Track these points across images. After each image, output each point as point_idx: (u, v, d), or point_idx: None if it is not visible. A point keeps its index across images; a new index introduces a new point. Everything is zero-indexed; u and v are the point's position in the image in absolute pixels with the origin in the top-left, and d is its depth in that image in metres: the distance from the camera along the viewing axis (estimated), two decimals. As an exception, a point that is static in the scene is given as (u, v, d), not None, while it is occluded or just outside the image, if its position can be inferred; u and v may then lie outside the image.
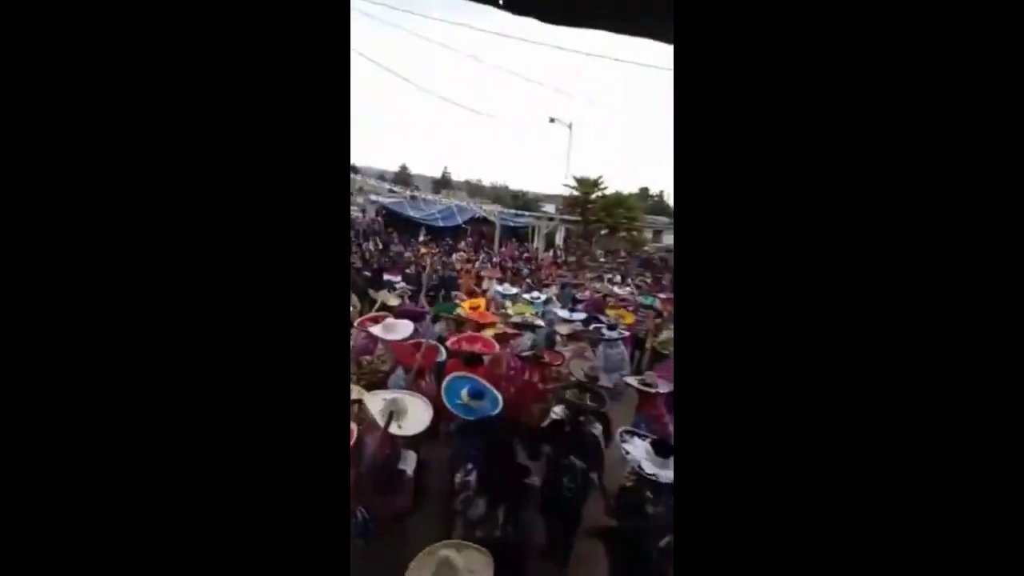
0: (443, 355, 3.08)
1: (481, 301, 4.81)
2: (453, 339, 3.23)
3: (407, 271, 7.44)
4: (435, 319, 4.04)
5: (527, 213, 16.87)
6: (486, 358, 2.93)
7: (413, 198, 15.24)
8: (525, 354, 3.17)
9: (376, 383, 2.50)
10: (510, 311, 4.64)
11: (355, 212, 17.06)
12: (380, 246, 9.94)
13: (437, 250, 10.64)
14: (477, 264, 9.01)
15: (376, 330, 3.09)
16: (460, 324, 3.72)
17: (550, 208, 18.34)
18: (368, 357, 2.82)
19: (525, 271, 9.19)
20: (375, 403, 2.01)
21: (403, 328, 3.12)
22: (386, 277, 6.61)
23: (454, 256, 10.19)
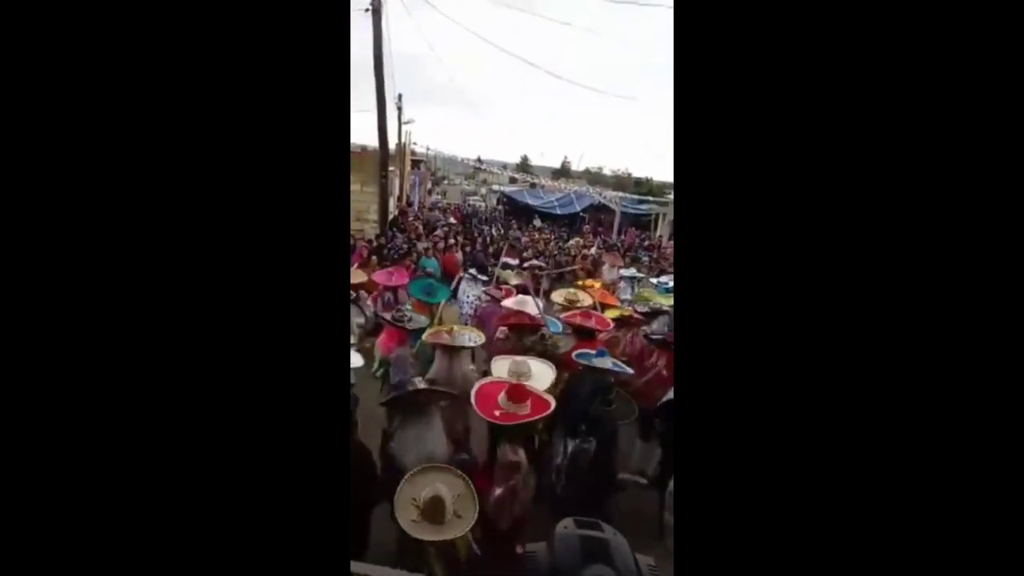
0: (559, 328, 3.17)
1: (597, 282, 4.77)
2: (566, 315, 3.21)
3: (524, 255, 7.59)
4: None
5: (651, 199, 15.80)
6: (602, 335, 2.84)
7: (532, 186, 15.46)
8: (655, 337, 3.05)
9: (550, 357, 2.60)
10: (628, 296, 4.43)
11: (477, 201, 18.14)
12: (500, 231, 10.30)
13: (552, 236, 10.61)
14: (593, 250, 8.73)
15: (508, 302, 3.36)
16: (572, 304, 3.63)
17: (677, 195, 16.83)
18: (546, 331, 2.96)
19: (645, 259, 8.61)
20: (501, 366, 2.14)
21: (531, 304, 3.30)
22: (503, 259, 6.86)
23: (571, 243, 10.03)
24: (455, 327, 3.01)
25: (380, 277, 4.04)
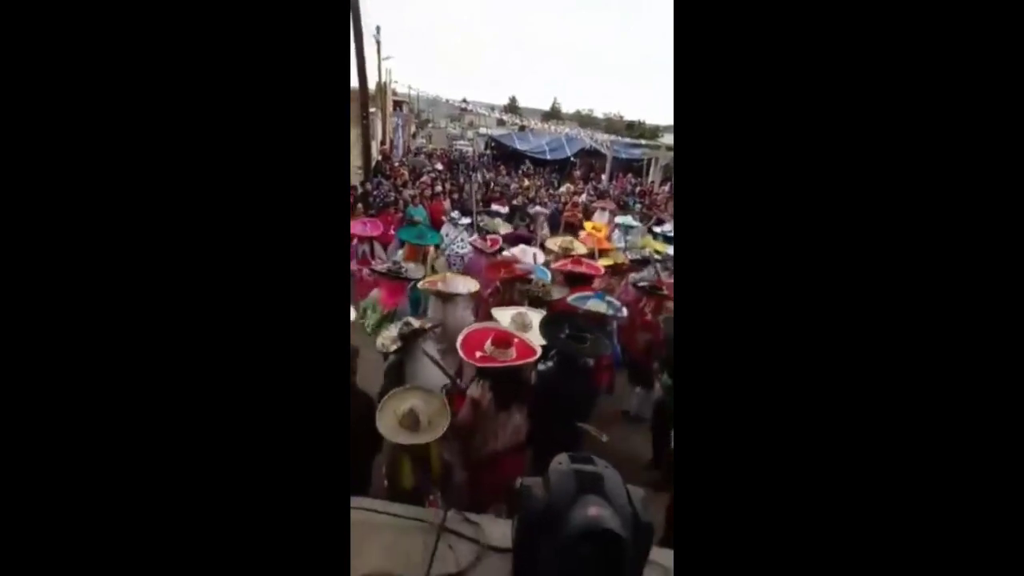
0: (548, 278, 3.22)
1: (603, 226, 4.79)
2: (557, 264, 3.23)
3: (513, 202, 7.42)
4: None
5: (643, 143, 15.33)
6: (595, 283, 2.90)
7: (521, 129, 14.82)
8: (642, 284, 3.11)
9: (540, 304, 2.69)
10: (621, 244, 4.45)
11: (465, 145, 17.39)
12: (486, 178, 9.99)
13: (542, 183, 10.33)
14: (583, 197, 8.56)
15: (516, 251, 3.41)
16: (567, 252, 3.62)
17: (670, 139, 16.35)
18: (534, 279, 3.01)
19: (637, 206, 8.49)
20: (503, 316, 2.23)
21: (530, 255, 3.40)
22: (494, 207, 6.72)
23: (561, 189, 9.80)
24: (447, 274, 3.02)
25: (355, 228, 3.89)
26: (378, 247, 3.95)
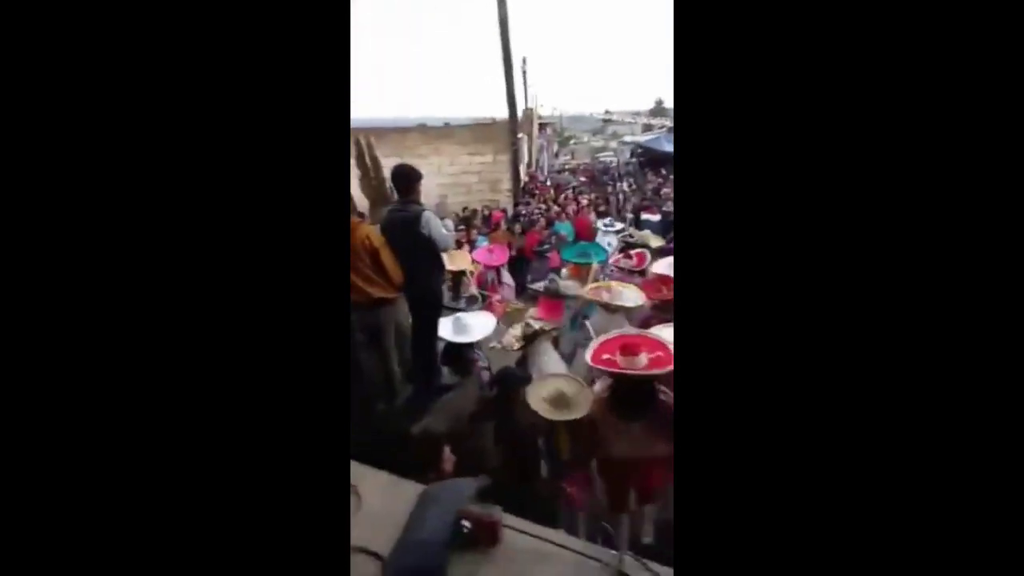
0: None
1: None
2: None
3: (664, 209, 6.93)
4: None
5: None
6: None
7: (670, 130, 13.88)
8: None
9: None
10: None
11: (608, 156, 17.15)
12: (634, 186, 9.59)
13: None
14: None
15: (659, 267, 3.11)
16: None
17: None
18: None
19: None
20: (665, 334, 2.09)
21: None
22: (644, 216, 6.39)
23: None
24: (613, 284, 2.93)
25: (480, 256, 3.96)
26: (505, 273, 4.02)
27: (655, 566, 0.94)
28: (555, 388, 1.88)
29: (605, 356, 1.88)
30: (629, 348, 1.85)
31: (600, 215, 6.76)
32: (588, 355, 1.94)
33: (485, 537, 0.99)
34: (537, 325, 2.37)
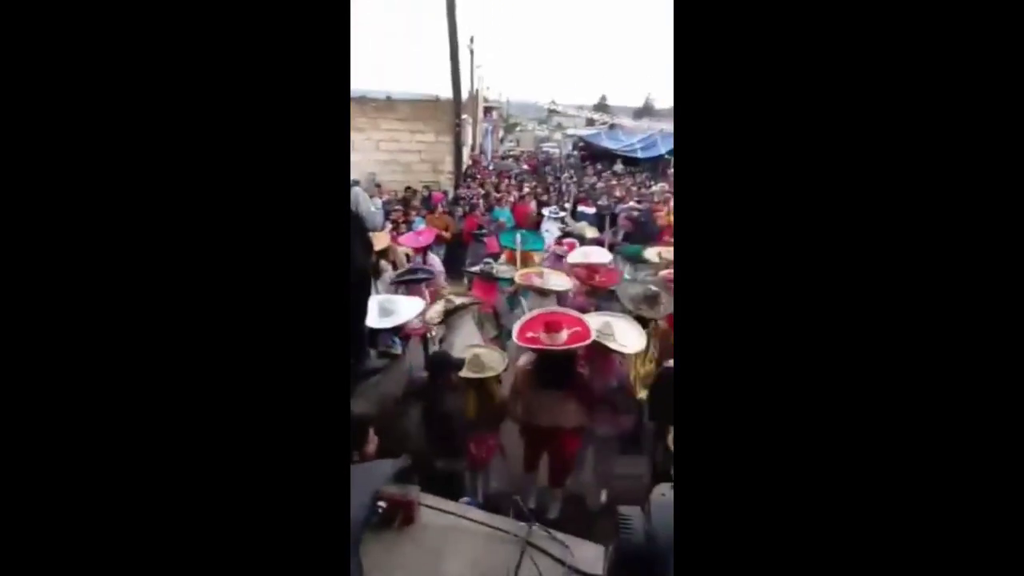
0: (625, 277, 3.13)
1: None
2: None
3: (599, 203, 7.22)
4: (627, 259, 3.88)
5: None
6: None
7: (612, 127, 14.37)
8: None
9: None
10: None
11: (552, 147, 17.41)
12: (574, 178, 9.85)
13: (631, 182, 9.87)
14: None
15: (575, 256, 3.31)
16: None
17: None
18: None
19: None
20: (593, 322, 2.26)
21: (599, 254, 3.33)
22: (579, 209, 6.61)
23: (654, 188, 9.29)
24: (544, 269, 3.05)
25: (407, 240, 3.96)
26: (432, 256, 4.01)
27: (560, 535, 1.00)
28: (472, 353, 2.18)
29: (529, 334, 2.12)
30: (552, 325, 2.11)
31: (541, 204, 6.88)
32: (515, 335, 2.17)
33: (401, 516, 1.00)
34: (458, 301, 2.57)
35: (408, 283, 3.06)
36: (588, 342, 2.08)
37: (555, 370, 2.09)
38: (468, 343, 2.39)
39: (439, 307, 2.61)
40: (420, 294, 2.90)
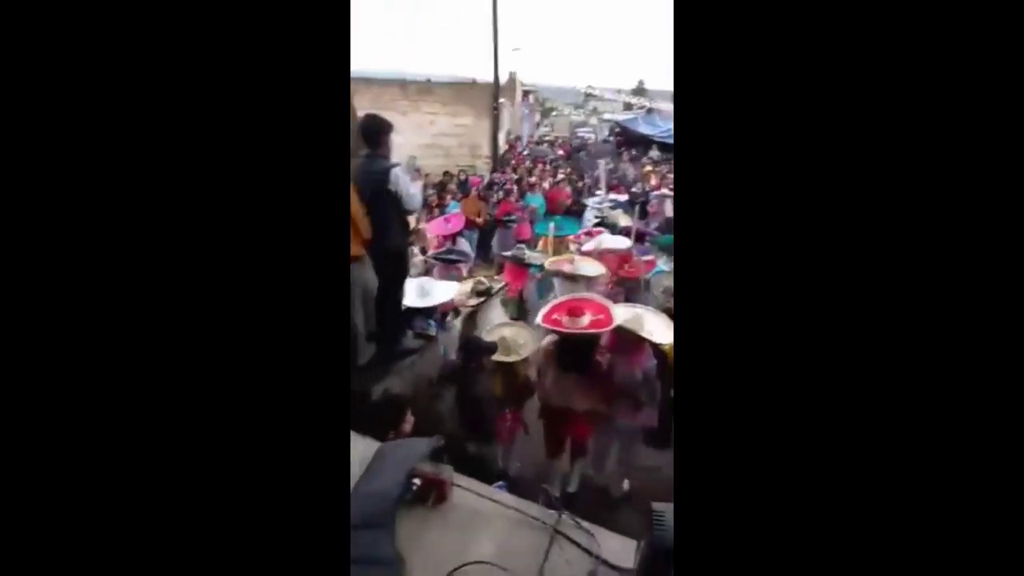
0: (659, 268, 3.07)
1: None
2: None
3: (633, 190, 7.02)
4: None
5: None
6: None
7: (649, 112, 13.84)
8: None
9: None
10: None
11: (587, 132, 16.99)
12: (610, 165, 9.59)
13: (668, 169, 9.52)
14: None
15: (589, 244, 3.35)
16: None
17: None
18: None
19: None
20: (621, 313, 2.25)
21: (615, 242, 3.36)
22: (611, 196, 6.44)
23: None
24: (575, 256, 3.04)
25: (436, 227, 3.96)
26: (461, 240, 3.98)
27: (588, 525, 1.00)
28: (499, 335, 2.31)
29: (555, 316, 2.14)
30: (574, 310, 2.16)
31: (577, 191, 6.77)
32: (540, 316, 2.23)
33: (434, 494, 1.03)
34: (487, 284, 2.71)
35: (445, 262, 3.12)
36: (609, 329, 2.10)
37: (574, 353, 2.15)
38: (496, 322, 2.51)
39: (468, 287, 2.70)
40: (452, 276, 2.96)
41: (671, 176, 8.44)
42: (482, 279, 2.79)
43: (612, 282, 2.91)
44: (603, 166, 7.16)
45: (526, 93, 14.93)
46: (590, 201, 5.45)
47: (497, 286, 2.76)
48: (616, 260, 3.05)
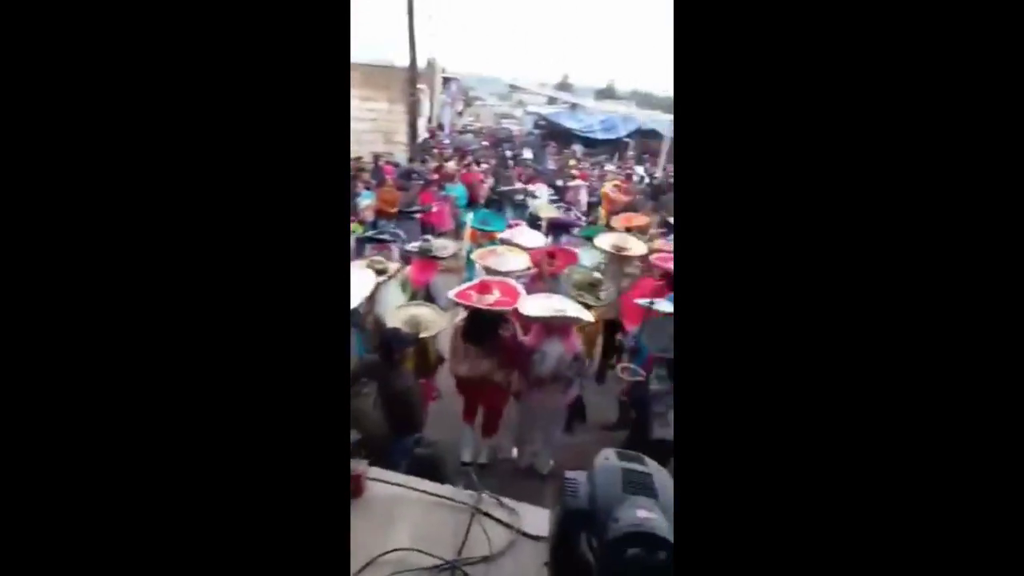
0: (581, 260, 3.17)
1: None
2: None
3: (556, 183, 7.21)
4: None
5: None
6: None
7: (573, 107, 14.32)
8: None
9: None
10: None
11: (512, 124, 17.13)
12: (532, 157, 9.77)
13: (589, 164, 9.94)
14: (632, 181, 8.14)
15: (506, 234, 3.49)
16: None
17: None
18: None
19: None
20: (536, 304, 2.40)
21: (533, 237, 3.51)
22: (530, 187, 6.55)
23: (606, 169, 9.41)
24: (500, 248, 3.04)
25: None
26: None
27: (509, 501, 1.00)
28: (409, 313, 2.39)
29: (467, 291, 2.41)
30: (484, 288, 2.39)
31: (498, 181, 6.76)
32: (453, 292, 2.42)
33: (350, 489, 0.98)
34: (384, 263, 2.72)
35: (376, 243, 3.15)
36: (511, 309, 2.36)
37: (480, 327, 2.37)
38: (394, 303, 2.54)
39: (364, 266, 2.65)
40: (383, 254, 2.94)
41: (593, 171, 8.82)
42: (379, 258, 2.75)
43: (537, 276, 2.95)
44: (527, 156, 7.26)
45: (447, 80, 14.60)
46: (540, 192, 5.50)
47: (393, 266, 2.72)
48: (542, 253, 3.09)
